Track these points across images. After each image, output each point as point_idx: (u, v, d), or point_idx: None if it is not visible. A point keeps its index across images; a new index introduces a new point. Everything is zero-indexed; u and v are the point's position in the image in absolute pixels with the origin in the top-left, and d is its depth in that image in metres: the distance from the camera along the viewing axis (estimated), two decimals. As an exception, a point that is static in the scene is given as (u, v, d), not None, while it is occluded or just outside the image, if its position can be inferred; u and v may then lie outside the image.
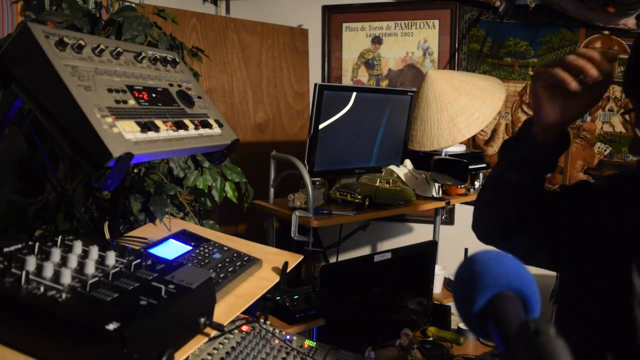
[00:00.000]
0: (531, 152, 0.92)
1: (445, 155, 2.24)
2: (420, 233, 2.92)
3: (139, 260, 0.83)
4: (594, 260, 0.91)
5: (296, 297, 1.68)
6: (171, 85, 1.06)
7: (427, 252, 2.17)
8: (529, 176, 0.95)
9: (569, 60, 0.82)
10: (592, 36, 2.52)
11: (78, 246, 0.82)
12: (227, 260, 1.08)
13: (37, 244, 0.81)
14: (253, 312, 1.22)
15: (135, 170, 1.46)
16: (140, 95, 0.95)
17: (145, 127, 0.88)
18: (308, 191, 1.80)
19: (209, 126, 1.05)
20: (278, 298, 1.67)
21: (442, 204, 2.22)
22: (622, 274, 0.85)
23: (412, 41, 2.82)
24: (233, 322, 1.13)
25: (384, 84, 2.89)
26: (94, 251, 0.81)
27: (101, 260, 0.81)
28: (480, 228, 1.08)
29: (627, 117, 0.94)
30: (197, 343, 0.82)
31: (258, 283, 1.09)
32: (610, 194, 0.95)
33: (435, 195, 2.22)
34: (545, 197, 1.00)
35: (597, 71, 0.81)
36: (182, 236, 1.15)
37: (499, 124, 2.73)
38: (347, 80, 2.93)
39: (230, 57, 2.61)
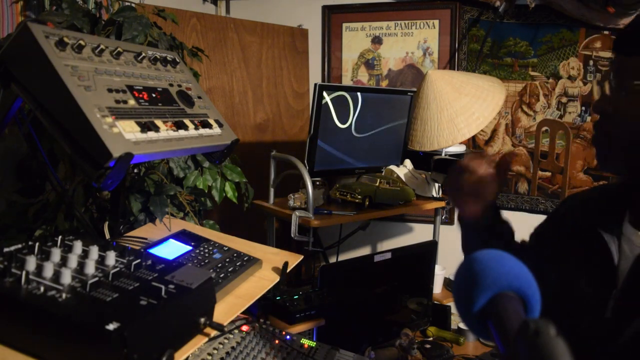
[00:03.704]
0: (474, 229, 1.06)
1: (445, 155, 2.24)
2: (420, 233, 2.92)
3: (139, 260, 0.83)
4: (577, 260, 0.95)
5: (296, 297, 1.68)
6: (171, 85, 1.06)
7: (427, 252, 2.17)
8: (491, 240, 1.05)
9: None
10: (592, 36, 2.52)
11: (78, 246, 0.82)
12: (227, 260, 1.08)
13: (37, 244, 0.81)
14: (253, 312, 1.22)
15: (135, 170, 1.46)
16: (140, 95, 0.95)
17: (145, 127, 0.88)
18: (308, 191, 1.80)
19: (209, 126, 1.05)
20: (278, 298, 1.66)
21: (442, 204, 2.22)
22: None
23: (412, 41, 2.82)
24: (233, 322, 1.13)
25: (384, 84, 2.88)
26: (94, 251, 0.81)
27: (101, 260, 0.81)
28: None
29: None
30: (197, 343, 0.82)
31: (258, 283, 1.09)
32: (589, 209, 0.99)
33: (435, 195, 2.22)
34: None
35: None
36: (182, 236, 1.15)
37: (499, 124, 2.73)
38: (347, 80, 2.93)
39: (230, 57, 2.61)
